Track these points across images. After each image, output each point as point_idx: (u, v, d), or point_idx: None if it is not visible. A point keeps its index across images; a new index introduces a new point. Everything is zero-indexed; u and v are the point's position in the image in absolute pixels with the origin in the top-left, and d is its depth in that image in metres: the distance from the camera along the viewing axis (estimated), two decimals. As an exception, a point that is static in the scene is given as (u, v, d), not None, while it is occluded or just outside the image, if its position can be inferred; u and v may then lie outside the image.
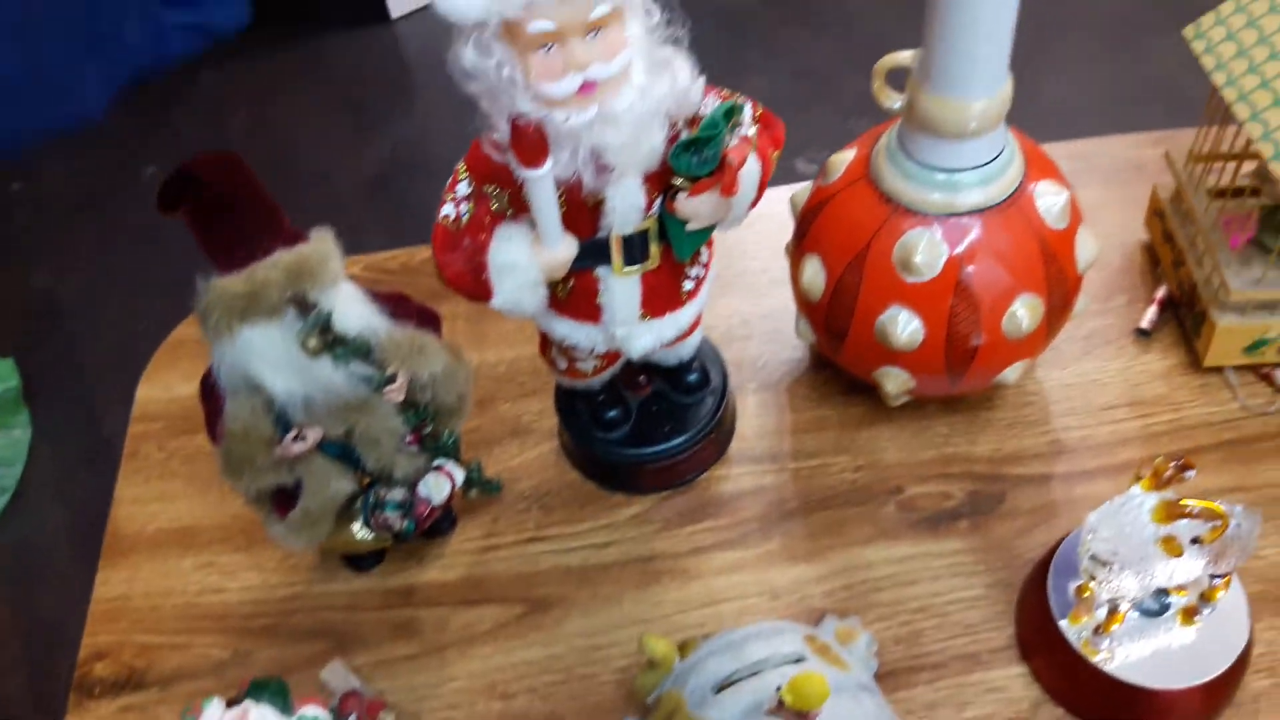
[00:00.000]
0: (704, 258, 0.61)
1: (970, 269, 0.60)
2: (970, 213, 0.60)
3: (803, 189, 0.69)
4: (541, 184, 0.51)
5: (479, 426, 0.76)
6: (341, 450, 0.60)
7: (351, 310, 0.56)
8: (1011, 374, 0.66)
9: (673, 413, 0.70)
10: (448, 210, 0.55)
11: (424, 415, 0.61)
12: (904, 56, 0.59)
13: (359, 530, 0.64)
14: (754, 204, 0.57)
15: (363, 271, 0.87)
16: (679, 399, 0.71)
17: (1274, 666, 0.60)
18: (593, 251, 0.56)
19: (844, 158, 0.66)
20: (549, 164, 0.50)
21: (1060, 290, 0.63)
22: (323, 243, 0.55)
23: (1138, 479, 0.53)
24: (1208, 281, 0.69)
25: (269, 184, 0.53)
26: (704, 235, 0.57)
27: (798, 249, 0.68)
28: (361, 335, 0.56)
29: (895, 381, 0.66)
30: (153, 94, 2.36)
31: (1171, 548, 0.51)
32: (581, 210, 0.54)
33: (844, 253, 0.63)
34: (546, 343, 0.66)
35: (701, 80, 0.53)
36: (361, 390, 0.57)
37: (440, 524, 0.70)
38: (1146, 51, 2.09)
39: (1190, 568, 0.53)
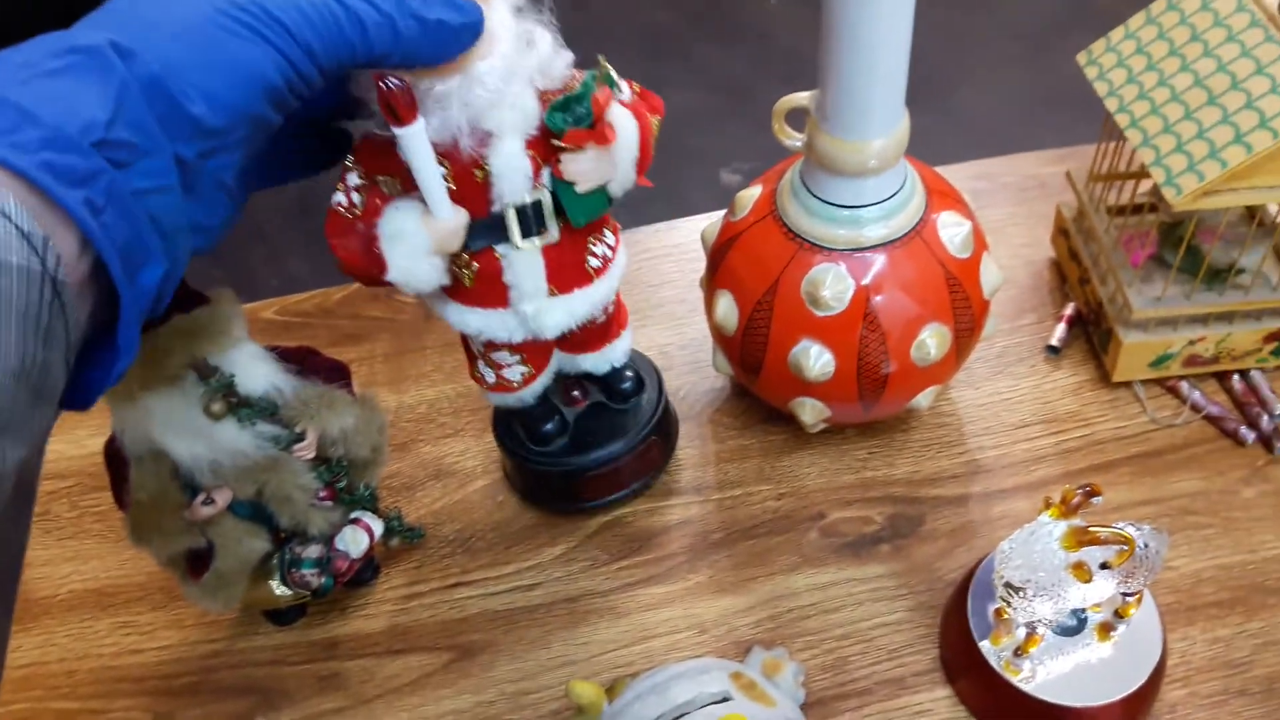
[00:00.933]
0: (609, 239, 0.61)
1: (877, 301, 0.61)
2: (875, 247, 0.61)
3: (712, 224, 0.69)
4: (416, 143, 0.50)
5: (400, 470, 0.75)
6: (253, 510, 0.59)
7: (254, 371, 0.55)
8: (924, 399, 0.67)
9: (611, 420, 0.70)
10: (339, 198, 0.54)
11: (337, 470, 0.60)
12: (801, 98, 0.59)
13: (277, 587, 0.63)
14: (641, 166, 0.56)
15: (277, 314, 0.86)
16: (616, 407, 0.70)
17: (1189, 676, 0.61)
18: (490, 227, 0.56)
19: (750, 194, 0.66)
20: (420, 122, 0.50)
21: (967, 317, 0.63)
22: (222, 304, 0.54)
23: (1047, 506, 0.54)
24: (1112, 299, 0.71)
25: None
26: (598, 202, 0.56)
27: (710, 285, 0.68)
28: (266, 396, 0.55)
29: (811, 411, 0.66)
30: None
31: (1081, 573, 0.52)
32: (472, 185, 0.54)
33: (754, 288, 0.64)
34: (472, 358, 0.65)
35: (568, 54, 0.53)
36: (269, 450, 0.56)
37: (363, 574, 0.69)
38: (1065, 55, 2.13)
39: (1102, 589, 0.54)
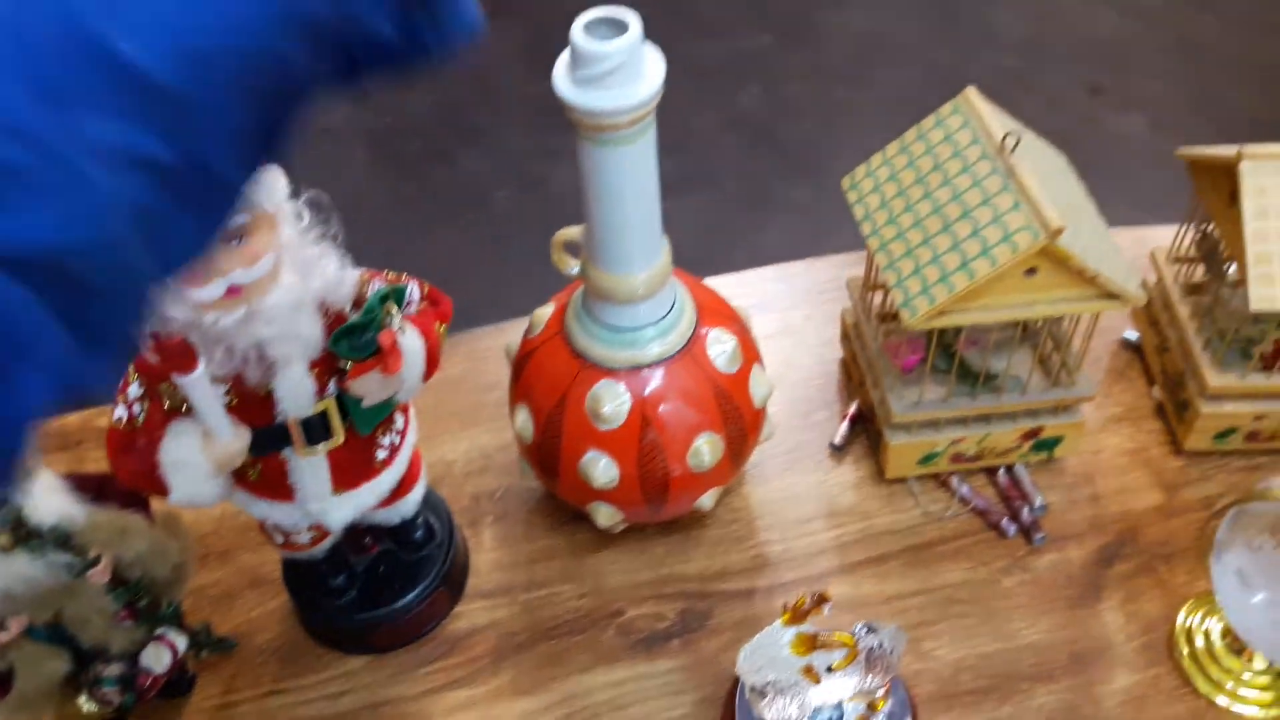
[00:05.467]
0: (399, 425, 0.64)
1: (653, 414, 0.66)
2: (650, 364, 0.66)
3: (515, 340, 0.74)
4: (197, 386, 0.53)
5: (220, 580, 0.77)
6: (52, 633, 0.61)
7: (47, 501, 0.58)
8: (708, 500, 0.71)
9: (401, 570, 0.73)
10: (120, 413, 0.56)
11: (136, 590, 0.63)
12: (573, 232, 0.64)
13: (85, 703, 0.65)
14: (428, 375, 0.60)
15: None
16: (406, 556, 0.73)
17: (948, 758, 0.66)
18: (273, 437, 0.58)
19: (545, 313, 0.70)
20: (201, 367, 0.52)
21: (738, 426, 0.68)
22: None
23: (784, 612, 0.58)
24: (881, 402, 0.76)
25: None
26: (384, 409, 0.61)
27: (512, 396, 0.72)
28: (58, 525, 0.58)
29: (605, 515, 0.71)
30: None
31: (811, 676, 0.56)
32: (254, 400, 0.57)
33: (546, 402, 0.68)
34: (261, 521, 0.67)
35: (354, 272, 0.57)
36: (64, 577, 0.59)
37: (179, 685, 0.71)
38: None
39: (841, 687, 0.59)
